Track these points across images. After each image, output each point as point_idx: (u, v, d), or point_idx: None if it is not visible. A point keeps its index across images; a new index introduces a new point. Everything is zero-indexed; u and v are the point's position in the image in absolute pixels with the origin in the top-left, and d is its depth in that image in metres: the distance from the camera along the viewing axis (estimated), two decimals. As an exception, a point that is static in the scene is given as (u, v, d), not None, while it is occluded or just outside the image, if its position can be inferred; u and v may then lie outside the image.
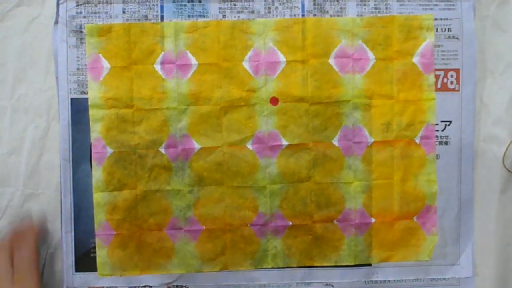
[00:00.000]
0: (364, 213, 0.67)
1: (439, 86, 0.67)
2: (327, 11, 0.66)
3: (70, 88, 0.66)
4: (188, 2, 0.66)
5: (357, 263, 0.67)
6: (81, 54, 0.65)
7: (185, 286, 0.67)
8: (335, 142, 0.66)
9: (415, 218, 0.67)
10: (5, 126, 0.67)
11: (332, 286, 0.68)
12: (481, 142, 0.68)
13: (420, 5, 0.66)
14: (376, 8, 0.66)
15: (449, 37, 0.67)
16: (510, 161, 0.68)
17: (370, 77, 0.66)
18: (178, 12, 0.66)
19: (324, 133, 0.66)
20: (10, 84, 0.67)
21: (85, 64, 0.65)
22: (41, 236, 0.66)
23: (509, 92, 0.68)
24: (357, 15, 0.66)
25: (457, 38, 0.67)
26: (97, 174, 0.65)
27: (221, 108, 0.65)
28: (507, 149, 0.68)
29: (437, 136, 0.67)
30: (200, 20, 0.66)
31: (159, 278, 0.67)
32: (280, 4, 0.66)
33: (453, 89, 0.67)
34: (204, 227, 0.66)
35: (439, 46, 0.67)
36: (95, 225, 0.65)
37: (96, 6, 0.65)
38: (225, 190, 0.66)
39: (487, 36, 0.68)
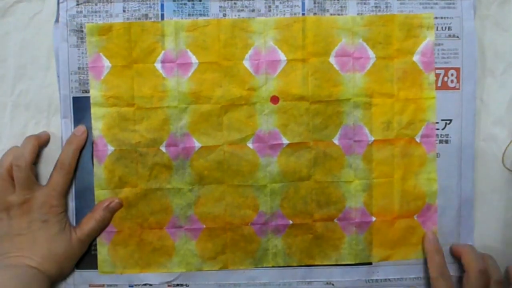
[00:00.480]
0: (365, 212, 0.67)
1: (439, 84, 0.67)
2: (328, 10, 0.66)
3: (72, 87, 0.66)
4: (189, 0, 0.66)
5: (357, 262, 0.67)
6: (82, 53, 0.65)
7: (186, 284, 0.67)
8: (335, 140, 0.66)
9: (415, 217, 0.67)
10: (5, 122, 0.67)
11: (333, 285, 0.68)
12: (481, 142, 0.68)
13: (420, 3, 0.67)
14: (376, 6, 0.66)
15: (450, 35, 0.67)
16: (510, 161, 0.68)
17: (370, 76, 0.66)
18: (178, 10, 0.66)
19: (324, 132, 0.66)
20: (11, 80, 0.67)
21: (86, 63, 0.65)
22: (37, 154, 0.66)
23: (509, 92, 0.69)
24: (358, 14, 0.66)
25: (458, 37, 0.67)
26: (99, 172, 0.65)
27: (221, 107, 0.65)
28: (506, 148, 0.68)
29: (437, 135, 0.67)
30: (201, 18, 0.66)
31: (160, 276, 0.67)
32: (280, 2, 0.66)
33: (454, 88, 0.67)
34: (204, 226, 0.66)
35: (439, 44, 0.67)
36: (96, 223, 0.66)
37: (96, 5, 0.65)
38: (226, 189, 0.66)
39: (488, 36, 0.68)
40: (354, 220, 0.67)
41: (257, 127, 0.66)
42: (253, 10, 0.66)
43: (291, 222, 0.67)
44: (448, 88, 0.67)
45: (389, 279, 0.68)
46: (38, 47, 0.67)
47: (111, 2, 0.66)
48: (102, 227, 0.65)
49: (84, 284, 0.66)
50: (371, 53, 0.66)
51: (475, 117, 0.68)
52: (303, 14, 0.66)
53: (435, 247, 0.66)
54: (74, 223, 0.66)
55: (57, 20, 0.66)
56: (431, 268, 0.65)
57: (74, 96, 0.66)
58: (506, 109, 0.69)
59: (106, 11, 0.66)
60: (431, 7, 0.66)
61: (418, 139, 0.67)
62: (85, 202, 0.66)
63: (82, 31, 0.65)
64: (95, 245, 0.66)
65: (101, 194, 0.65)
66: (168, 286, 0.67)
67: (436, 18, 0.66)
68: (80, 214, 0.66)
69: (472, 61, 0.67)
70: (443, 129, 0.67)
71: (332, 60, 0.66)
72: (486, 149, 0.68)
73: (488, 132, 0.68)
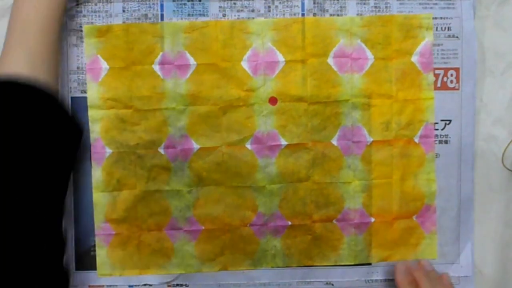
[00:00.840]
0: (364, 213, 0.67)
1: (439, 85, 0.67)
2: (327, 10, 0.66)
3: (70, 87, 0.66)
4: (188, 1, 0.66)
5: (356, 263, 0.67)
6: (81, 52, 0.65)
7: (185, 284, 0.67)
8: (334, 141, 0.66)
9: (414, 218, 0.67)
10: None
11: (333, 285, 0.68)
12: (481, 142, 0.68)
13: (420, 4, 0.66)
14: (376, 7, 0.66)
15: (449, 36, 0.67)
16: (510, 161, 0.68)
17: (369, 77, 0.66)
18: (178, 11, 0.66)
19: (323, 133, 0.66)
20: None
21: (85, 63, 0.65)
22: None
23: (509, 92, 0.68)
24: (357, 14, 0.66)
25: (457, 37, 0.67)
26: (97, 174, 0.65)
27: (220, 108, 0.65)
28: (506, 148, 0.68)
29: (436, 135, 0.67)
30: (200, 19, 0.66)
31: (159, 277, 0.67)
32: (280, 3, 0.66)
33: (453, 88, 0.67)
34: (203, 227, 0.66)
35: (439, 45, 0.67)
36: (95, 225, 0.66)
37: (96, 5, 0.65)
38: (224, 190, 0.66)
39: (488, 36, 0.68)
40: (353, 221, 0.67)
41: (255, 128, 0.66)
42: (252, 10, 0.66)
43: (290, 223, 0.67)
44: (447, 88, 0.67)
45: (388, 279, 0.68)
46: (38, 47, 0.67)
47: (110, 2, 0.66)
48: None
49: (83, 285, 0.66)
50: (369, 54, 0.66)
51: (475, 117, 0.67)
52: (302, 14, 0.66)
53: (407, 279, 0.65)
54: (73, 225, 0.66)
55: (56, 20, 0.66)
56: None
57: (73, 96, 0.66)
58: (506, 109, 0.68)
59: (106, 11, 0.65)
60: (431, 8, 0.66)
61: (416, 140, 0.66)
62: (84, 204, 0.66)
63: (81, 31, 0.65)
64: (94, 245, 0.66)
65: (100, 197, 0.65)
66: (168, 286, 0.67)
67: (435, 18, 0.66)
68: (79, 217, 0.66)
69: (471, 61, 0.67)
70: (442, 129, 0.67)
71: (330, 61, 0.65)
72: (486, 149, 0.68)
73: (488, 132, 0.68)
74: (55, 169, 0.58)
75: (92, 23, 0.65)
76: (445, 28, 0.66)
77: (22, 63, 0.56)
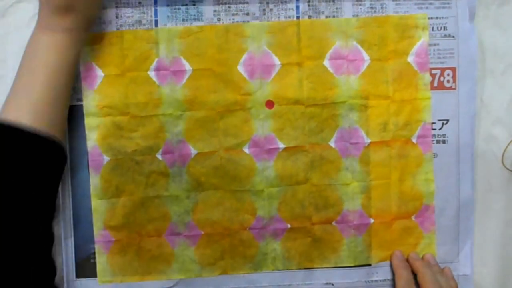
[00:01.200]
0: (363, 214, 0.67)
1: (435, 84, 0.67)
2: (323, 12, 0.66)
3: (67, 95, 0.65)
4: (182, 5, 0.66)
5: (356, 264, 0.67)
6: (77, 60, 0.65)
7: (186, 290, 0.67)
8: (331, 143, 0.66)
9: (413, 218, 0.67)
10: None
11: (332, 285, 0.68)
12: (481, 142, 0.68)
13: (415, 4, 0.66)
14: (372, 8, 0.66)
15: (445, 35, 0.66)
16: (510, 161, 0.68)
17: (365, 78, 0.66)
18: (172, 16, 0.65)
19: (320, 135, 0.66)
20: (11, 81, 0.66)
21: (80, 71, 0.65)
22: None
23: (509, 92, 0.68)
24: (353, 15, 0.66)
25: (453, 37, 0.66)
26: (95, 181, 0.65)
27: (217, 112, 0.65)
28: (506, 148, 0.68)
29: (434, 135, 0.67)
30: (195, 23, 0.65)
31: (160, 282, 0.67)
32: (275, 5, 0.66)
33: (450, 88, 0.67)
34: (203, 232, 0.66)
35: (435, 45, 0.66)
36: (95, 233, 0.66)
37: (90, 11, 0.65)
38: (223, 195, 0.66)
39: (488, 36, 0.68)
40: (353, 223, 0.67)
41: (252, 132, 0.66)
42: (247, 14, 0.66)
43: (289, 225, 0.67)
44: (444, 88, 0.67)
45: (388, 279, 0.68)
46: (37, 48, 0.67)
47: (103, 9, 0.65)
48: None
49: (84, 293, 0.67)
50: (365, 55, 0.66)
51: (475, 117, 0.68)
52: (297, 17, 0.66)
53: (403, 263, 0.66)
54: (72, 232, 0.66)
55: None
56: (399, 283, 0.64)
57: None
58: (506, 109, 0.68)
59: (99, 18, 0.65)
60: (426, 7, 0.66)
61: (414, 140, 0.66)
62: (83, 211, 0.66)
63: (76, 38, 0.65)
64: (94, 253, 0.66)
65: (98, 204, 0.65)
66: (168, 291, 0.67)
67: (431, 18, 0.66)
68: (78, 224, 0.66)
69: (468, 61, 0.67)
70: (440, 129, 0.67)
71: (326, 63, 0.65)
72: (485, 149, 0.68)
73: (488, 132, 0.68)
74: (41, 196, 0.58)
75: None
76: (441, 27, 0.66)
77: (25, 111, 0.56)
